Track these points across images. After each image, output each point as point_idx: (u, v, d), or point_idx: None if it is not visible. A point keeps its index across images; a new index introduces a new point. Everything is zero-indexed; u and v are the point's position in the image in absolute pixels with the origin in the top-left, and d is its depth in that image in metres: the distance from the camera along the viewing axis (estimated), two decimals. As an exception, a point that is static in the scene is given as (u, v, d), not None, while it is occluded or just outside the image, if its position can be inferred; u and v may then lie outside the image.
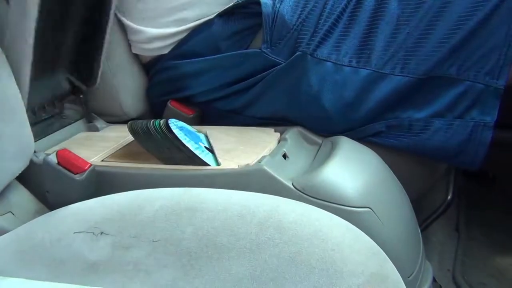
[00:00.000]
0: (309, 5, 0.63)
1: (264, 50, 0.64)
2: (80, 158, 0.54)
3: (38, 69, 0.57)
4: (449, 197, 0.79)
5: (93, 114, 0.73)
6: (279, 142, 0.61)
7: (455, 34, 0.56)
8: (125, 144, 0.65)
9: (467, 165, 0.59)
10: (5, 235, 0.49)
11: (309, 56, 0.60)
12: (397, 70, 0.58)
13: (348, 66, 0.60)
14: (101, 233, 0.44)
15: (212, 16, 0.68)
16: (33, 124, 0.60)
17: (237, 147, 0.59)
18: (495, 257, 0.81)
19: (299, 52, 0.61)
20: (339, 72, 0.60)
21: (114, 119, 0.75)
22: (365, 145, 0.60)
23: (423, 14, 0.58)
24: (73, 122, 0.71)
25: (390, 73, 0.58)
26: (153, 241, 0.42)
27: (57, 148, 0.63)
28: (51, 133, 0.67)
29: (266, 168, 0.52)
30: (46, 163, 0.54)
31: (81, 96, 0.71)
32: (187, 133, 0.58)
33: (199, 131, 0.63)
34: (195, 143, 0.57)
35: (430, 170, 0.69)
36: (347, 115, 0.61)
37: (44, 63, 0.60)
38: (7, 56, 0.55)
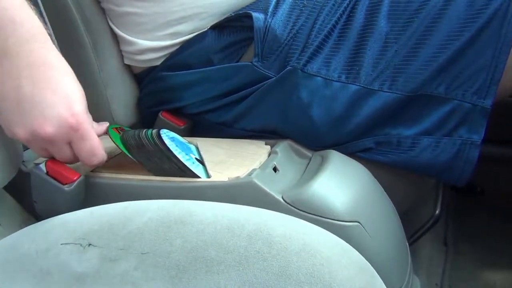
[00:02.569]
0: (300, 21, 0.64)
1: (255, 63, 0.64)
2: (69, 168, 0.53)
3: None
4: (437, 211, 0.79)
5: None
6: (269, 155, 0.61)
7: (442, 54, 0.57)
8: (115, 154, 0.65)
9: (454, 181, 0.60)
10: (-10, 245, 0.48)
11: (299, 71, 0.61)
12: (386, 87, 0.58)
13: (337, 81, 0.60)
14: (89, 244, 0.44)
15: (205, 29, 0.69)
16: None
17: (228, 160, 0.59)
18: (483, 271, 0.81)
19: (290, 67, 0.61)
20: (328, 87, 0.60)
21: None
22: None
23: (411, 33, 0.59)
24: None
25: (379, 90, 0.59)
26: (142, 253, 0.42)
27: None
28: (41, 142, 0.67)
29: (256, 181, 0.52)
30: (34, 173, 0.53)
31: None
32: (178, 144, 0.58)
33: (190, 143, 0.63)
34: (186, 154, 0.57)
35: (419, 184, 0.69)
36: (336, 129, 0.61)
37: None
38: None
